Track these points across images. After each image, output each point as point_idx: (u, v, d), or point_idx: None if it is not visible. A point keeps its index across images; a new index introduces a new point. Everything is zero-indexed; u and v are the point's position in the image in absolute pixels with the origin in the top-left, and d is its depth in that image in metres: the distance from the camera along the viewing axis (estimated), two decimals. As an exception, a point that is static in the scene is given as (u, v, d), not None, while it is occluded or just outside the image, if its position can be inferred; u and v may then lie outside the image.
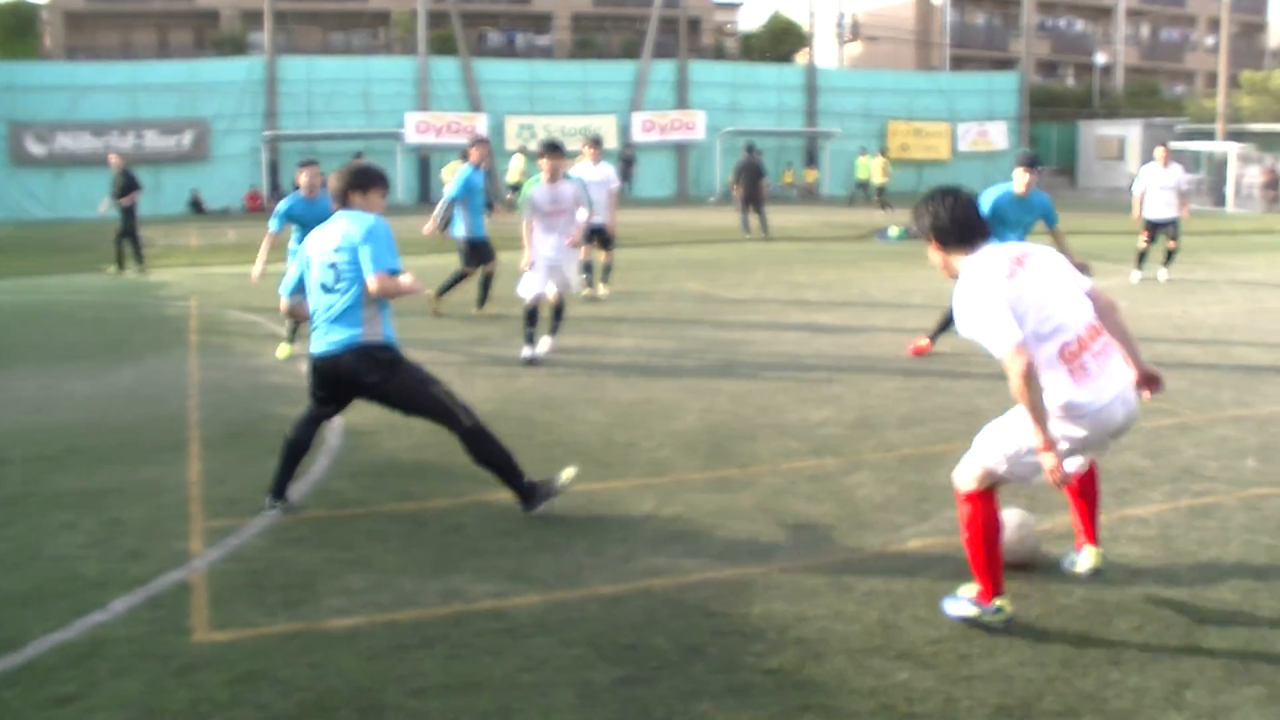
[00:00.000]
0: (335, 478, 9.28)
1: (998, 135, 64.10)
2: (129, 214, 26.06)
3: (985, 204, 12.74)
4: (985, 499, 6.11)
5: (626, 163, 54.91)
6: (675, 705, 5.29)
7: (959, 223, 6.14)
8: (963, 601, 6.22)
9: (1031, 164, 13.61)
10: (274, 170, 52.77)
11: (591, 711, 5.33)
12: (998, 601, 6.10)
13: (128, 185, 26.12)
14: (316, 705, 5.48)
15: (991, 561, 6.10)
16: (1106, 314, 6.17)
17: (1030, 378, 5.60)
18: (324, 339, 7.97)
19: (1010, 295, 5.82)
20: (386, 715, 5.36)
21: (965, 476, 6.17)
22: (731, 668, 5.68)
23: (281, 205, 14.32)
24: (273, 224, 14.49)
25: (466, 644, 6.10)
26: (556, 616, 6.39)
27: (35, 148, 50.96)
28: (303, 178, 14.33)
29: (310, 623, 6.45)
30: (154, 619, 6.60)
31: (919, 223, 6.28)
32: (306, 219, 13.69)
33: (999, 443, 6.08)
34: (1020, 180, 13.43)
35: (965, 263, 6.07)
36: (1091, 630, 6.09)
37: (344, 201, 8.16)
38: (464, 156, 18.70)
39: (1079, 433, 5.91)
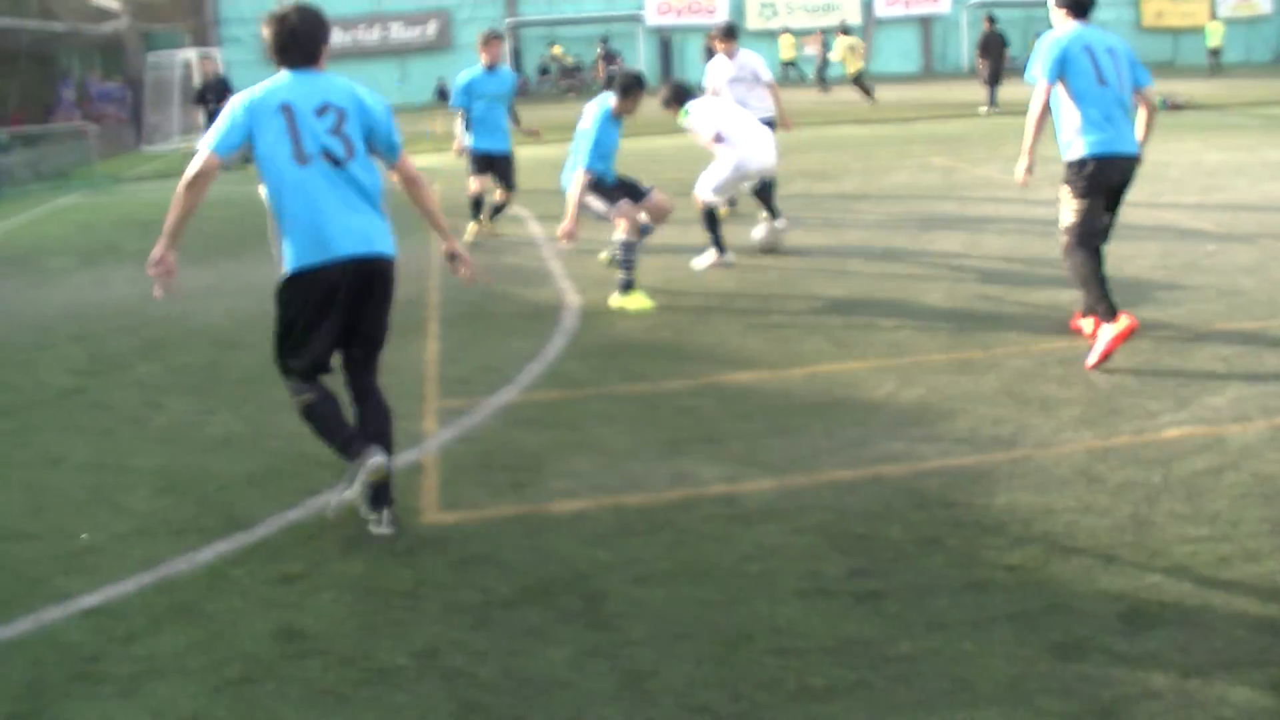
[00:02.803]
0: (568, 358, 9.19)
1: (1264, -1, 60.36)
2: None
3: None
4: None
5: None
6: (909, 600, 5.01)
7: None
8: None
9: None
10: (516, 56, 53.01)
11: (820, 605, 5.09)
12: None
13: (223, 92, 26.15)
14: (538, 590, 5.37)
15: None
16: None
17: None
18: None
19: None
20: (608, 602, 5.22)
21: None
22: (970, 562, 5.37)
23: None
24: None
25: (693, 530, 5.93)
26: (788, 503, 6.16)
27: (287, 44, 52.21)
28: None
29: (536, 505, 6.36)
30: (384, 500, 6.58)
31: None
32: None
33: None
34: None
35: None
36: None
37: None
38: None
39: None
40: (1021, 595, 5.08)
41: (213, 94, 25.70)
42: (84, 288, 13.29)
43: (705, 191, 12.09)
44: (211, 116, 25.40)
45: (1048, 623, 4.83)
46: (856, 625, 4.90)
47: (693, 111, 12.12)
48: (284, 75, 6.10)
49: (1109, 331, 8.19)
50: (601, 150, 10.86)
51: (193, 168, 5.84)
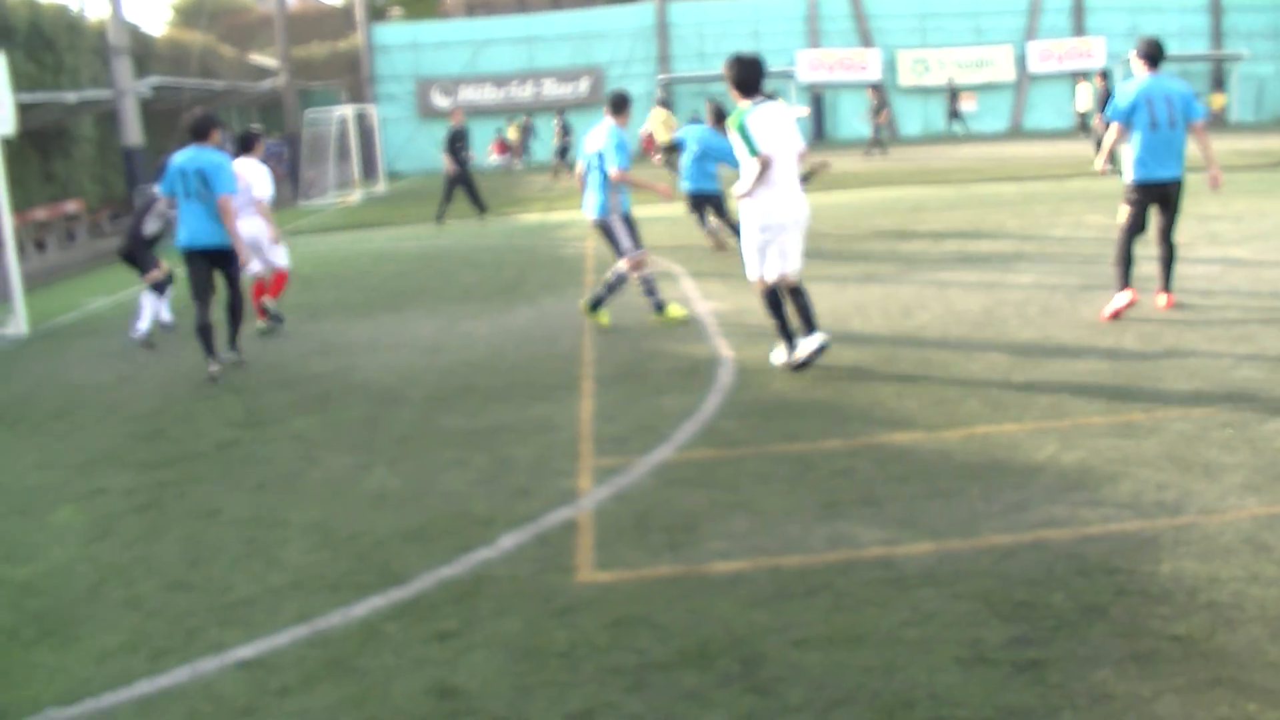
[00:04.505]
0: (724, 417, 9.17)
1: None
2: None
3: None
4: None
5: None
6: (1071, 671, 4.92)
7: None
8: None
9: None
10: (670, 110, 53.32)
11: (980, 673, 5.01)
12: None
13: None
14: (695, 653, 5.35)
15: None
16: None
17: None
18: None
19: None
20: (766, 666, 5.18)
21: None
22: (1135, 632, 5.25)
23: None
24: None
25: (851, 594, 5.87)
26: (947, 568, 6.09)
27: (440, 101, 53.46)
28: None
29: (692, 566, 6.34)
30: (539, 557, 6.64)
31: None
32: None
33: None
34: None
35: None
36: None
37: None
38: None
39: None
40: (1188, 667, 4.96)
41: (461, 142, 27.69)
42: (243, 341, 13.55)
43: (750, 271, 10.68)
44: (458, 160, 27.54)
45: (1215, 697, 4.71)
46: (1017, 695, 4.81)
47: (750, 119, 10.15)
48: (190, 147, 12.19)
49: (1120, 299, 11.98)
50: (625, 152, 12.80)
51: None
